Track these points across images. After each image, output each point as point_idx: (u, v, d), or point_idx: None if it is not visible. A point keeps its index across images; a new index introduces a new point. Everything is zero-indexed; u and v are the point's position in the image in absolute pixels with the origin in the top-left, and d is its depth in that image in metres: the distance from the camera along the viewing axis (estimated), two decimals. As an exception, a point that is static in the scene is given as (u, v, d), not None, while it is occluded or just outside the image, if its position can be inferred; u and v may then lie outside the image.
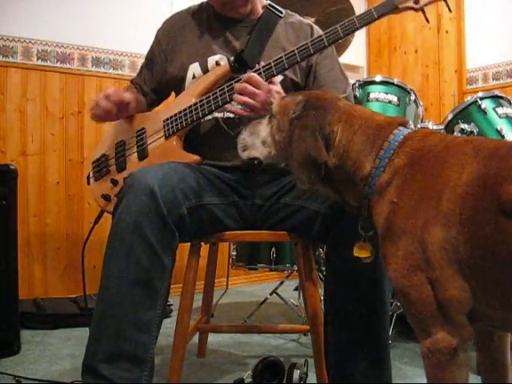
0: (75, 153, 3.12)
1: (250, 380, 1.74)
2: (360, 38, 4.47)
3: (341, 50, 2.74)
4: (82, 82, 3.15)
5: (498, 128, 2.22)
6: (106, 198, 1.62)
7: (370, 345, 1.38)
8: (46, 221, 3.01)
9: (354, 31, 1.43)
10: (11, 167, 2.17)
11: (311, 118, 1.16)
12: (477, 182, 0.98)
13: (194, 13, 1.75)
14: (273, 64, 1.48)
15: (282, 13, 1.70)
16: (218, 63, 1.63)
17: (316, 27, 1.73)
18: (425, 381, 1.06)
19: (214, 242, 1.72)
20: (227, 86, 1.52)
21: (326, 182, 1.20)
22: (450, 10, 1.45)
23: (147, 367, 1.32)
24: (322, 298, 1.57)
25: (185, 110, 1.57)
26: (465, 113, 2.33)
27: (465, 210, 0.97)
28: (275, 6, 1.70)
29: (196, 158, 1.55)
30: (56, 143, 3.06)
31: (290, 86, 1.61)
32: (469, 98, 2.37)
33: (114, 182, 1.62)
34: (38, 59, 3.02)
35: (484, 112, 2.28)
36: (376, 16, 1.39)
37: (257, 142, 1.30)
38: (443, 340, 1.00)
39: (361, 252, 1.22)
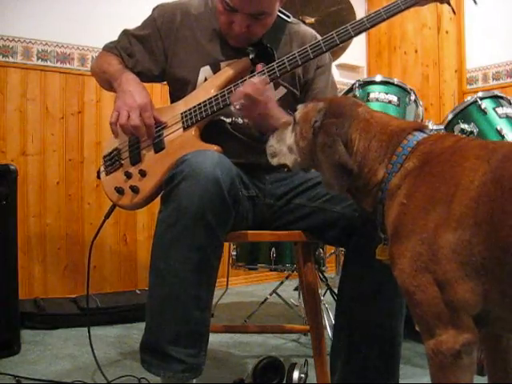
0: (75, 153, 3.12)
1: (249, 380, 1.74)
2: (360, 38, 4.46)
3: (341, 50, 2.74)
4: (82, 82, 3.15)
5: (498, 128, 2.22)
6: (119, 190, 1.56)
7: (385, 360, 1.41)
8: (46, 221, 3.02)
9: (379, 23, 1.45)
10: (11, 167, 2.17)
11: (332, 126, 1.18)
12: (493, 183, 0.97)
13: (199, 12, 1.68)
14: (286, 60, 1.48)
15: (289, 17, 1.69)
16: None
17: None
18: (424, 381, 1.06)
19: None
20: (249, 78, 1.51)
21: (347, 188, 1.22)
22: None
23: (206, 340, 1.38)
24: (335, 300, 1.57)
25: (204, 101, 1.54)
26: (465, 113, 2.33)
27: (480, 212, 0.97)
28: (283, 11, 1.68)
29: (217, 147, 1.48)
30: (56, 143, 3.07)
31: (291, 100, 1.62)
32: (469, 98, 2.37)
33: (128, 175, 1.57)
34: (38, 59, 3.02)
35: (484, 112, 2.28)
36: (403, 7, 1.43)
37: (284, 149, 1.32)
38: (447, 342, 1.00)
39: (382, 254, 1.22)
